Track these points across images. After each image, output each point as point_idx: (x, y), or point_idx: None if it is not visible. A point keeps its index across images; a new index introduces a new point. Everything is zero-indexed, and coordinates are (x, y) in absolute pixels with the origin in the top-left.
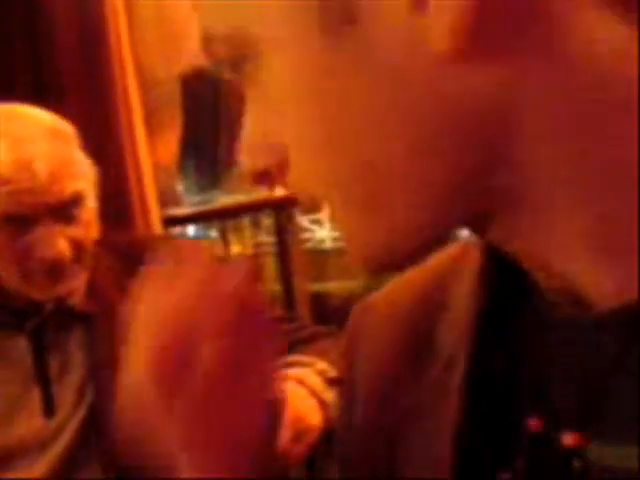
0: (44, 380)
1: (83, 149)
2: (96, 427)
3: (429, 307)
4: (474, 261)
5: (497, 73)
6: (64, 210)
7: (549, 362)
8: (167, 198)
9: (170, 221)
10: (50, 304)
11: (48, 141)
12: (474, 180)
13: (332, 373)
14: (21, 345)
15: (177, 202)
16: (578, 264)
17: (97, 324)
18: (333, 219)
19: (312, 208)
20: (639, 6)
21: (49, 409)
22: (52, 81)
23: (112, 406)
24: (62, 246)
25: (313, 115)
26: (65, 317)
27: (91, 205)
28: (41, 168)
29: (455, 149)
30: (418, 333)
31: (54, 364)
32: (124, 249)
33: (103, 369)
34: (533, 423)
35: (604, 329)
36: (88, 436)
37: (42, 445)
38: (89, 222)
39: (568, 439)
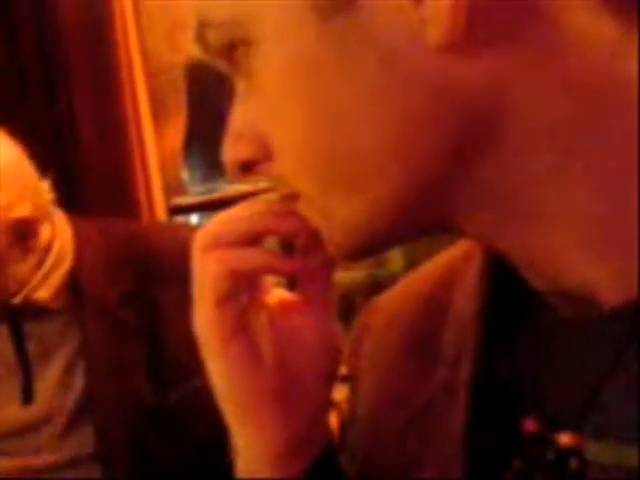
0: (23, 367)
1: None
2: (95, 422)
3: (434, 308)
4: (477, 263)
5: (488, 66)
6: (24, 233)
7: (545, 362)
8: (172, 187)
9: (175, 210)
10: (18, 297)
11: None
12: (460, 170)
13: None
14: (2, 331)
15: (182, 191)
16: (579, 263)
17: (85, 320)
18: (313, 206)
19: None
20: (639, 6)
21: (27, 396)
22: (60, 71)
23: (111, 404)
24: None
25: (303, 99)
26: (46, 309)
27: (49, 230)
28: None
29: (442, 138)
30: (423, 333)
31: (34, 353)
32: (124, 238)
33: (99, 360)
34: (529, 423)
35: (602, 329)
36: (75, 426)
37: (21, 432)
38: (52, 244)
39: (565, 439)
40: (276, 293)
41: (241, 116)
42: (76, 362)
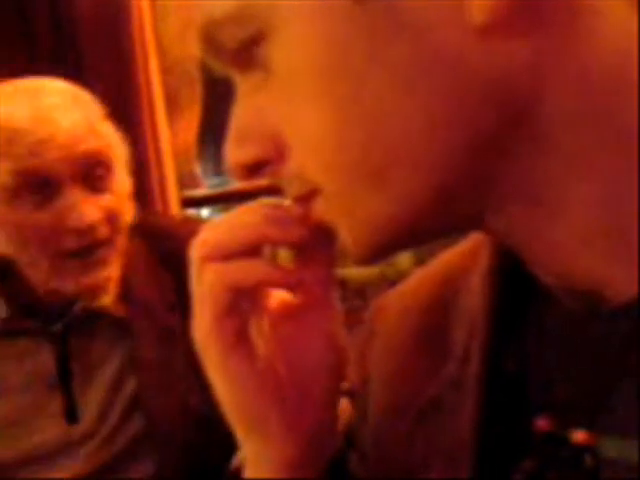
0: (67, 385)
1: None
2: (151, 431)
3: (441, 305)
4: (485, 259)
5: (524, 53)
6: (91, 174)
7: (555, 359)
8: (185, 179)
9: (188, 202)
10: (78, 306)
11: (68, 100)
12: (494, 163)
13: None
14: (45, 349)
15: (195, 183)
16: (591, 259)
17: (136, 330)
18: (335, 203)
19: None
20: (639, 6)
21: (72, 415)
22: (76, 65)
23: (166, 416)
24: (93, 213)
25: (331, 87)
26: (93, 320)
27: (123, 179)
28: (61, 118)
29: (477, 129)
30: (432, 330)
31: (78, 368)
32: (159, 234)
33: (151, 372)
34: (542, 422)
35: (611, 325)
36: (122, 440)
37: (67, 451)
38: (121, 195)
39: (578, 437)
40: (278, 296)
41: (247, 114)
42: (123, 377)
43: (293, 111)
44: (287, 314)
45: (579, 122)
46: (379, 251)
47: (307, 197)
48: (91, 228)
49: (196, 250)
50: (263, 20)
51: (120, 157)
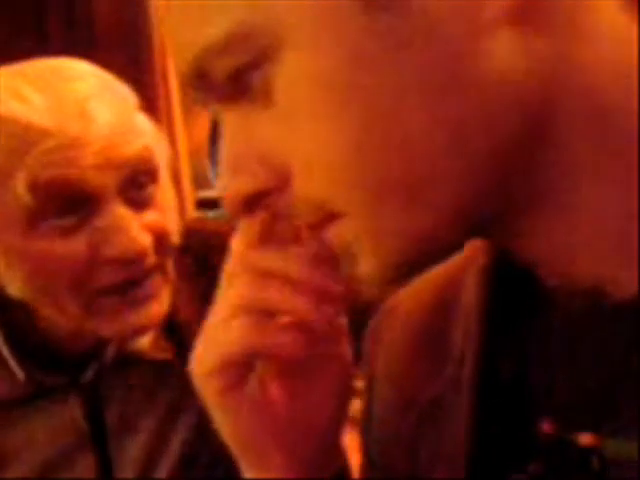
0: (100, 441)
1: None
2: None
3: (443, 306)
4: (479, 260)
5: (544, 50)
6: (133, 184)
7: (557, 360)
8: (199, 180)
9: (202, 203)
10: (110, 351)
11: (101, 87)
12: (516, 167)
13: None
14: (73, 401)
15: (209, 185)
16: (595, 260)
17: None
18: (355, 226)
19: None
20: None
21: (107, 472)
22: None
23: None
24: (143, 238)
25: (347, 107)
26: (129, 364)
27: (168, 188)
28: (96, 112)
29: (499, 135)
30: (434, 331)
31: (113, 421)
32: (211, 248)
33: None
34: (546, 425)
35: (613, 325)
36: None
37: None
38: (168, 209)
39: (584, 439)
40: None
41: (241, 144)
42: (167, 428)
43: (302, 135)
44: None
45: (584, 124)
46: (404, 271)
47: (323, 223)
48: (139, 256)
49: (195, 367)
50: (261, 43)
51: (163, 160)
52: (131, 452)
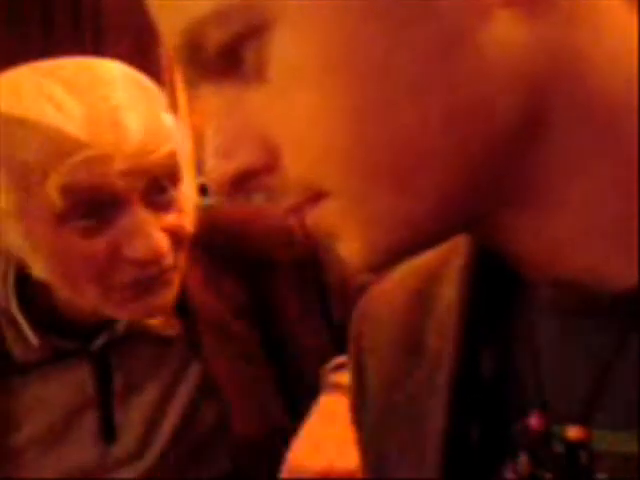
0: (106, 404)
1: None
2: (227, 449)
3: (421, 301)
4: (460, 258)
5: (544, 33)
6: (157, 186)
7: (544, 355)
8: (201, 167)
9: (202, 190)
10: (121, 325)
11: (131, 91)
12: (511, 158)
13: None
14: (83, 368)
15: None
16: (587, 257)
17: (205, 345)
18: (342, 206)
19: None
20: None
21: (110, 435)
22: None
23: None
24: (159, 240)
25: (345, 85)
26: (137, 337)
27: (190, 188)
28: (127, 119)
29: (495, 121)
30: (410, 331)
31: (119, 387)
32: (220, 236)
33: (225, 384)
34: (533, 419)
35: (602, 318)
36: (174, 464)
37: (106, 472)
38: (188, 210)
39: (573, 433)
40: None
41: (229, 123)
42: (170, 394)
43: (294, 112)
44: None
45: (579, 116)
46: (391, 254)
47: (309, 203)
48: (155, 259)
49: None
50: (255, 16)
51: (186, 161)
52: (134, 416)
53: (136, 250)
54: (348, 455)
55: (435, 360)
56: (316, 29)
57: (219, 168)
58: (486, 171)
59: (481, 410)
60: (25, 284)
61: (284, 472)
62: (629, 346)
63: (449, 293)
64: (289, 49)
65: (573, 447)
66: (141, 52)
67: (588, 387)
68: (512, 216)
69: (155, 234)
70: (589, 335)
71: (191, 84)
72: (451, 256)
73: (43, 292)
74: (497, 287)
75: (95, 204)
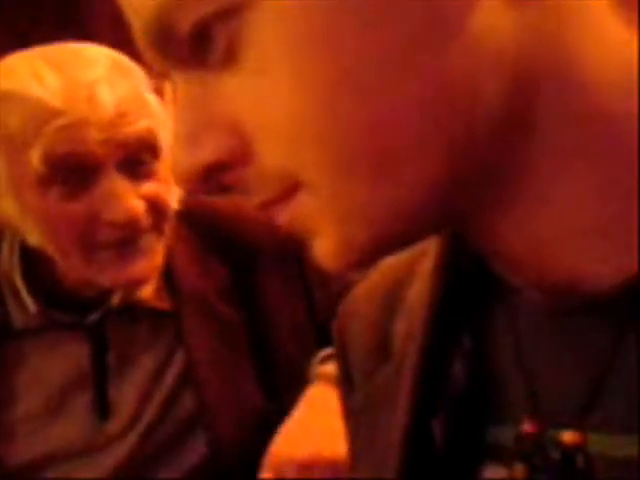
0: (100, 379)
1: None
2: (205, 431)
3: (391, 300)
4: (433, 254)
5: (533, 20)
6: (135, 159)
7: (531, 357)
8: None
9: None
10: (116, 298)
11: (111, 69)
12: (499, 148)
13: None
14: (79, 341)
15: None
16: (569, 256)
17: (185, 321)
18: (319, 198)
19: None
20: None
21: (103, 410)
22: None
23: (222, 406)
24: (134, 204)
25: (317, 59)
26: (132, 311)
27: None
28: (104, 93)
29: (483, 106)
30: (380, 326)
31: (114, 361)
32: (208, 219)
33: (206, 365)
34: (527, 424)
35: (593, 318)
36: (159, 441)
37: (98, 448)
38: (168, 181)
39: (569, 437)
40: None
41: (198, 111)
42: (162, 370)
43: (268, 98)
44: None
45: (567, 116)
46: (365, 253)
47: (284, 197)
48: (131, 221)
49: None
50: None
51: (167, 137)
52: (128, 392)
53: (113, 212)
54: (333, 445)
55: (400, 359)
56: (290, 11)
57: (186, 159)
58: (469, 161)
59: (449, 410)
60: (31, 257)
61: (268, 461)
62: (627, 347)
63: (415, 294)
64: (261, 32)
65: (569, 452)
66: (129, 45)
67: (583, 389)
68: (495, 215)
69: (131, 198)
70: (576, 336)
71: (163, 75)
72: (423, 253)
73: (47, 266)
74: (470, 289)
75: (75, 171)
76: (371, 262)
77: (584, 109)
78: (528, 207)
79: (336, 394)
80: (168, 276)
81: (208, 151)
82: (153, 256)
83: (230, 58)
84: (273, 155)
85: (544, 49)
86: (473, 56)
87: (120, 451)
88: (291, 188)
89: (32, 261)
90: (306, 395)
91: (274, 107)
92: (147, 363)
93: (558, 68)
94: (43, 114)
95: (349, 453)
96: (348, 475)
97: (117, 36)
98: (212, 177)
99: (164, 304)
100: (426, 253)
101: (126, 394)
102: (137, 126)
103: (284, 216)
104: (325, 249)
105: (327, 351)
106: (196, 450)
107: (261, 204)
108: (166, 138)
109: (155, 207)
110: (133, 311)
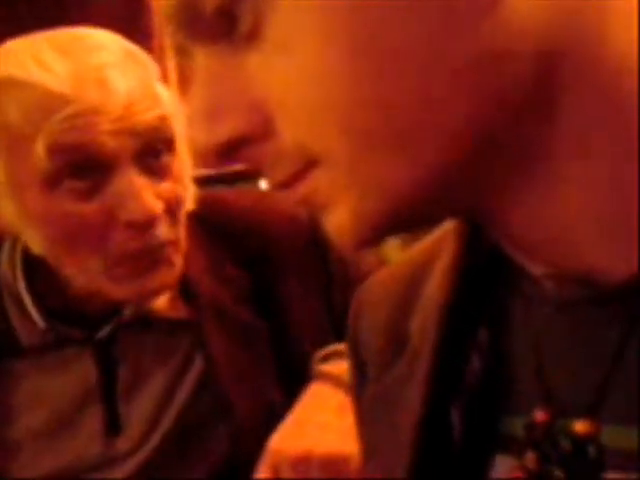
0: (110, 396)
1: None
2: (228, 429)
3: (408, 293)
4: (448, 250)
5: (551, 13)
6: (149, 152)
7: (547, 350)
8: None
9: (200, 181)
10: (128, 311)
11: (120, 55)
12: (521, 129)
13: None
14: (88, 357)
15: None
16: (584, 243)
17: (203, 327)
18: (338, 173)
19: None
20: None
21: (114, 427)
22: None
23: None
24: (154, 204)
25: (343, 35)
26: (144, 323)
27: (185, 158)
28: (115, 80)
29: (507, 86)
30: (397, 322)
31: (124, 377)
32: (222, 221)
33: (226, 372)
34: (539, 413)
35: (606, 309)
36: (176, 449)
37: (111, 464)
38: (183, 180)
39: (580, 426)
40: None
41: (223, 85)
42: (178, 380)
43: (293, 73)
44: None
45: (591, 89)
46: (378, 229)
47: (301, 175)
48: (150, 222)
49: None
50: None
51: (181, 130)
52: (140, 408)
53: (130, 212)
54: (329, 440)
55: (415, 352)
56: None
57: (206, 134)
58: (487, 144)
59: (465, 402)
60: (35, 270)
61: (264, 457)
62: (638, 339)
63: (435, 287)
64: (287, 10)
65: (581, 442)
66: (128, 20)
67: (595, 381)
68: (510, 199)
69: (147, 197)
70: (590, 327)
71: (181, 50)
72: (440, 248)
73: (49, 276)
74: (486, 283)
75: (85, 165)
76: (382, 240)
77: (605, 85)
78: (543, 192)
79: (334, 392)
80: (183, 284)
81: (228, 127)
82: (171, 266)
83: (254, 35)
84: (294, 131)
85: (565, 25)
86: (499, 36)
87: (132, 465)
88: (309, 165)
89: (33, 271)
90: (305, 393)
91: (298, 84)
92: (161, 375)
93: (580, 44)
94: (48, 102)
95: (360, 443)
96: (347, 470)
97: (115, 24)
98: (231, 153)
99: (179, 313)
100: (443, 248)
101: (139, 408)
102: (150, 115)
103: (300, 192)
104: (339, 224)
105: (330, 348)
106: (215, 452)
107: (278, 183)
108: (179, 128)
109: (172, 208)
110: (145, 322)
